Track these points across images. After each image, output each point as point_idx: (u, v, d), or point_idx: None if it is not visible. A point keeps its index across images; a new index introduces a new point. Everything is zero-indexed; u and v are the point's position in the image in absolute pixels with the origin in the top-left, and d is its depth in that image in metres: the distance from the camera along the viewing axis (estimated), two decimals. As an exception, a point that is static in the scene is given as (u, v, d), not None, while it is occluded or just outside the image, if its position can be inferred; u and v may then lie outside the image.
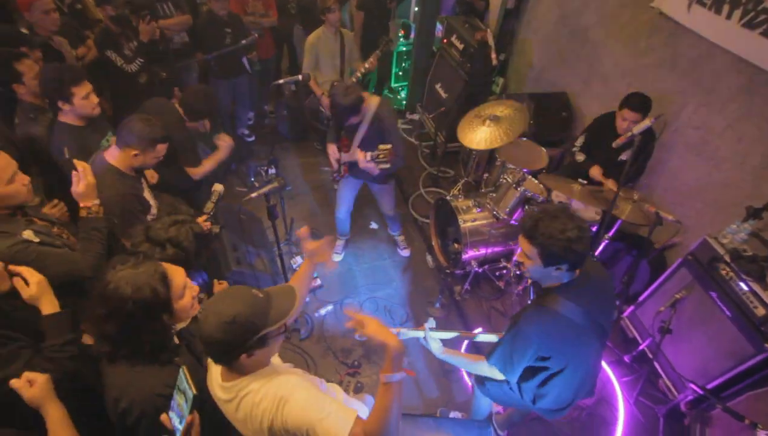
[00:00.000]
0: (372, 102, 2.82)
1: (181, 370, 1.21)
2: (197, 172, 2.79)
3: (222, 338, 1.15)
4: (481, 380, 2.10)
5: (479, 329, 2.05)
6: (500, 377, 1.80)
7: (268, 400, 1.23)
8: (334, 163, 3.13)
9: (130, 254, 1.56)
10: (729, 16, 2.61)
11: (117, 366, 1.30)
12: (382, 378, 1.28)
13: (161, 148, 2.17)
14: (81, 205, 1.80)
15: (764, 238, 2.39)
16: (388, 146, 2.72)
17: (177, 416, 1.22)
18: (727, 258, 2.34)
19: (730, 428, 2.26)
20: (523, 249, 1.64)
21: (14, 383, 1.26)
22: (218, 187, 2.52)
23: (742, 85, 2.59)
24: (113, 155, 2.10)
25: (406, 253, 3.77)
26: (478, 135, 3.01)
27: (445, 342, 1.91)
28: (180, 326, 1.46)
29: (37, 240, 1.66)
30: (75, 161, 1.80)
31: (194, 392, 1.16)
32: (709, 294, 2.43)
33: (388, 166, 2.78)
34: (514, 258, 3.18)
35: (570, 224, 1.51)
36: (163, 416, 1.24)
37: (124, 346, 1.29)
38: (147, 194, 2.28)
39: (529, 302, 1.96)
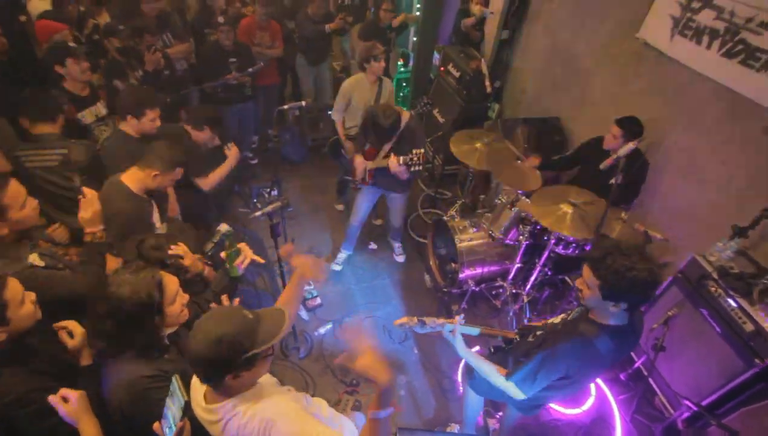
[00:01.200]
0: (404, 115, 3.06)
1: (173, 378, 1.26)
2: (206, 182, 2.91)
3: (209, 356, 1.16)
4: (471, 375, 2.14)
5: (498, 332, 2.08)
6: (518, 394, 1.75)
7: (255, 422, 1.24)
8: (360, 173, 3.28)
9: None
10: (709, 46, 2.76)
11: (108, 366, 1.41)
12: (369, 414, 1.28)
13: (179, 172, 2.31)
14: (86, 230, 1.89)
15: (750, 255, 2.46)
16: (422, 150, 2.89)
17: (168, 424, 1.27)
18: (715, 275, 2.41)
19: (726, 446, 2.27)
20: (584, 277, 1.60)
21: (52, 399, 1.32)
22: (223, 228, 2.47)
23: (724, 110, 2.72)
24: (130, 176, 2.21)
25: (401, 259, 3.93)
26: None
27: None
28: (169, 330, 1.56)
29: (42, 264, 1.76)
30: (83, 189, 1.90)
31: (185, 398, 1.21)
32: (699, 311, 2.48)
33: (420, 168, 2.94)
34: (509, 277, 3.25)
35: (641, 264, 1.44)
36: (156, 424, 1.30)
37: (118, 343, 1.40)
38: (155, 218, 2.37)
39: (557, 318, 1.96)
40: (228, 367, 1.20)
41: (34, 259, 1.75)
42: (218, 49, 3.94)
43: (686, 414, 2.54)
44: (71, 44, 3.07)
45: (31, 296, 1.48)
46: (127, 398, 1.39)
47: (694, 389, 2.51)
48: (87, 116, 2.97)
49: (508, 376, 1.77)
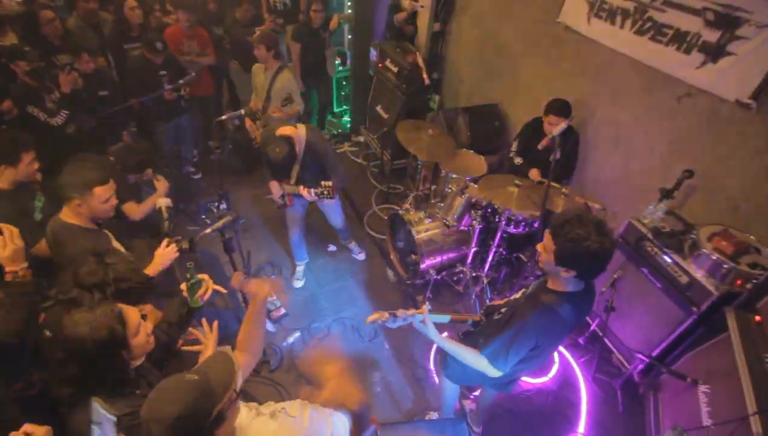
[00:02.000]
0: (300, 133, 2.86)
1: (92, 402, 1.17)
2: (133, 211, 2.74)
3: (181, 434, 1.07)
4: (445, 364, 2.20)
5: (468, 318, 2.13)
6: (493, 371, 1.80)
7: None
8: (278, 200, 3.19)
9: (60, 301, 1.57)
10: (622, 26, 2.98)
11: (78, 409, 1.30)
12: None
13: (100, 191, 2.04)
14: (6, 269, 1.72)
15: (678, 214, 2.70)
16: (330, 183, 2.80)
17: None
18: (650, 236, 2.62)
19: (677, 389, 2.49)
20: (545, 241, 1.66)
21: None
22: (161, 202, 2.38)
23: (641, 84, 2.95)
24: (66, 213, 2.06)
25: (361, 256, 3.91)
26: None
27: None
28: (137, 362, 1.49)
29: None
30: (1, 225, 1.74)
31: (115, 412, 1.13)
32: (641, 271, 2.69)
33: (332, 200, 2.90)
34: (468, 262, 3.36)
35: (595, 236, 1.49)
36: None
37: (86, 385, 1.31)
38: (116, 244, 2.22)
39: (518, 294, 2.05)
40: (209, 428, 1.12)
41: None
42: (146, 63, 3.73)
43: (640, 366, 2.75)
44: None
45: None
46: None
47: (644, 343, 2.72)
48: None
49: (480, 351, 1.82)
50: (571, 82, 3.38)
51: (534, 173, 3.24)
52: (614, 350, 2.97)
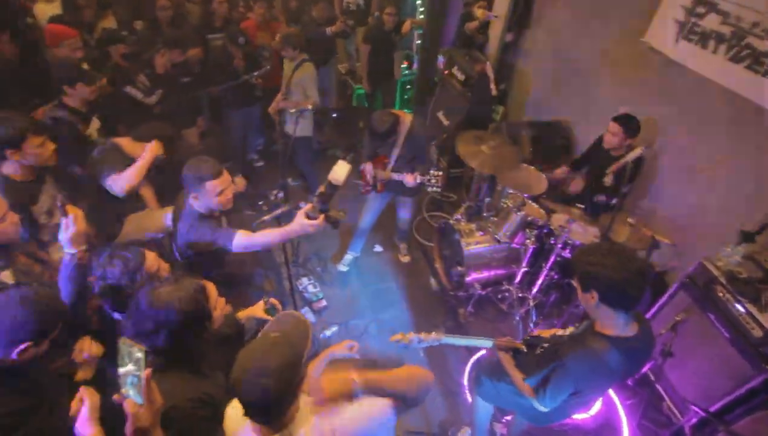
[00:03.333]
0: (406, 119, 3.10)
1: (119, 343, 1.12)
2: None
3: (285, 386, 1.16)
4: (479, 381, 2.16)
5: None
6: (540, 407, 1.78)
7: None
8: (369, 179, 3.33)
9: None
10: (715, 51, 2.76)
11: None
12: None
13: (212, 185, 2.08)
14: (66, 250, 1.71)
15: (758, 260, 2.45)
16: (440, 173, 2.96)
17: (129, 383, 1.12)
18: (723, 280, 2.41)
19: (734, 452, 2.27)
20: (574, 284, 1.72)
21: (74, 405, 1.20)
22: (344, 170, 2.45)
23: (731, 115, 2.72)
24: (193, 202, 2.19)
25: (405, 259, 3.99)
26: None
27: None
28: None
29: (12, 281, 1.71)
30: (68, 207, 1.71)
31: (143, 348, 1.10)
32: (707, 316, 2.48)
33: (438, 190, 3.04)
34: (515, 281, 3.26)
35: (597, 254, 1.57)
36: (115, 396, 1.14)
37: (171, 354, 1.39)
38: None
39: (566, 331, 2.02)
40: (299, 382, 1.22)
41: (6, 276, 1.69)
42: (227, 55, 3.97)
43: (694, 420, 2.53)
44: (85, 66, 3.08)
45: None
46: (168, 417, 1.30)
47: (702, 395, 2.50)
48: (93, 132, 2.98)
49: (524, 380, 1.80)
50: (650, 106, 3.18)
51: (559, 172, 3.28)
52: (666, 397, 2.76)
